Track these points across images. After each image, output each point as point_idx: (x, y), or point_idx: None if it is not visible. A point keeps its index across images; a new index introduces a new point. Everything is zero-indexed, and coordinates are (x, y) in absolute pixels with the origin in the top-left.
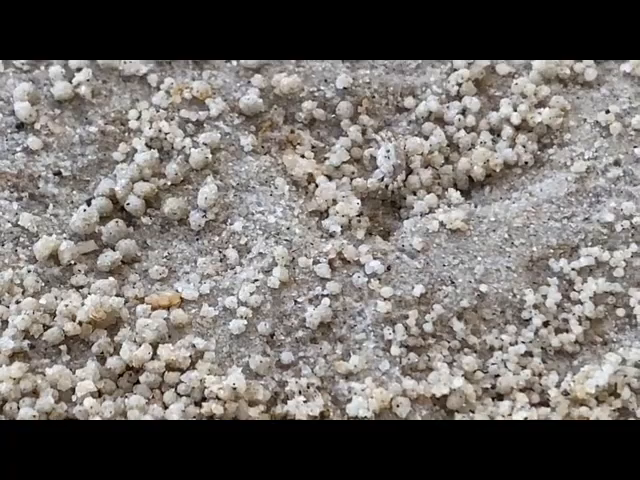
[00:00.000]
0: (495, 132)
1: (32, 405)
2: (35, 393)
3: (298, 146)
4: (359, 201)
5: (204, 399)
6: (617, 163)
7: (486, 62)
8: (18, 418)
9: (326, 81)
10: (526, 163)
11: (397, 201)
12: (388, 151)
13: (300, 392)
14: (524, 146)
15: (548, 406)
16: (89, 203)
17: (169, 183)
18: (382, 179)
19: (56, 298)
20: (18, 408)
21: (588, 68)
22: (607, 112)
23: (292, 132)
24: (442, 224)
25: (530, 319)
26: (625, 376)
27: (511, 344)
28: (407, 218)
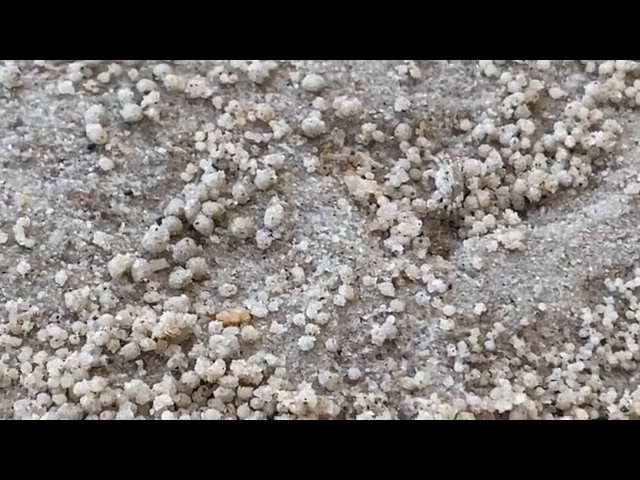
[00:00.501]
0: (550, 154)
1: (112, 418)
2: (115, 406)
3: (358, 167)
4: (420, 221)
5: (276, 413)
6: None
7: (540, 85)
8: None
9: (385, 104)
10: (580, 185)
11: (456, 221)
12: (447, 173)
13: (368, 407)
14: (578, 168)
15: None
16: (160, 222)
17: (236, 203)
18: (441, 200)
19: (131, 314)
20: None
21: (639, 92)
22: None
23: (352, 153)
24: (501, 244)
25: (588, 337)
26: None
27: (570, 361)
28: (466, 238)
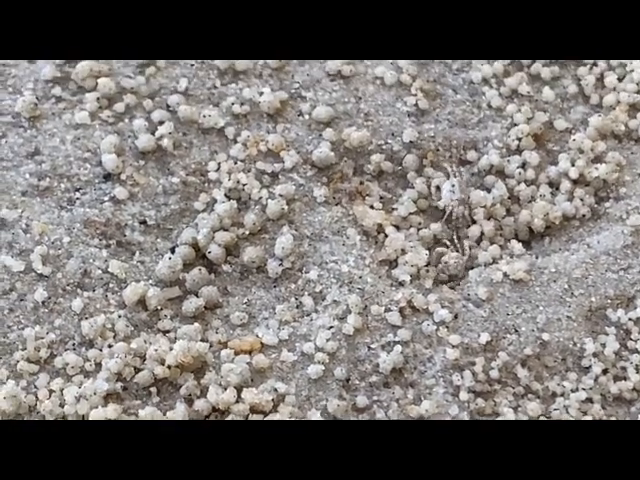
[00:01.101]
0: (554, 185)
1: None
2: None
3: (367, 197)
4: (427, 251)
5: None
6: None
7: (545, 117)
8: None
9: (393, 135)
10: (584, 216)
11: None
12: (453, 185)
13: None
14: (582, 199)
15: None
16: (173, 251)
17: (247, 232)
18: (444, 208)
19: (145, 342)
20: None
21: None
22: None
23: (361, 183)
24: (505, 274)
25: (590, 367)
26: None
27: (572, 391)
28: (472, 268)
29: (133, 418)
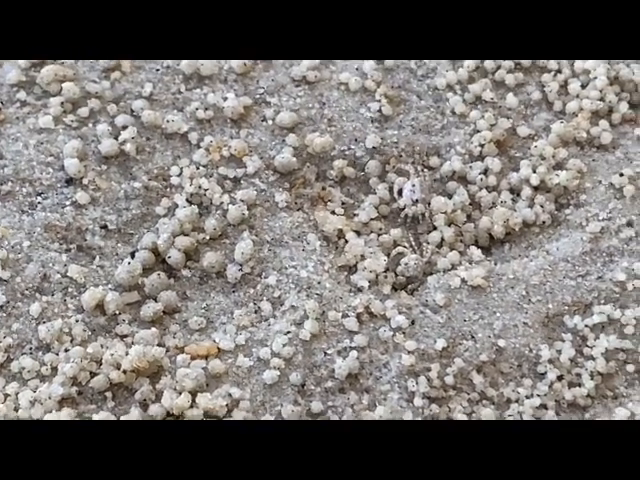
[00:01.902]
0: (515, 192)
1: None
2: None
3: (329, 203)
4: (386, 257)
5: None
6: (630, 224)
7: (508, 124)
8: None
9: (356, 140)
10: (544, 222)
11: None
12: (414, 185)
13: None
14: (542, 206)
15: None
16: (133, 256)
17: (208, 237)
18: (404, 208)
19: (102, 347)
20: None
21: (604, 132)
22: (621, 175)
23: (323, 189)
24: (464, 281)
25: (545, 373)
26: None
27: (527, 397)
28: (430, 274)
29: None
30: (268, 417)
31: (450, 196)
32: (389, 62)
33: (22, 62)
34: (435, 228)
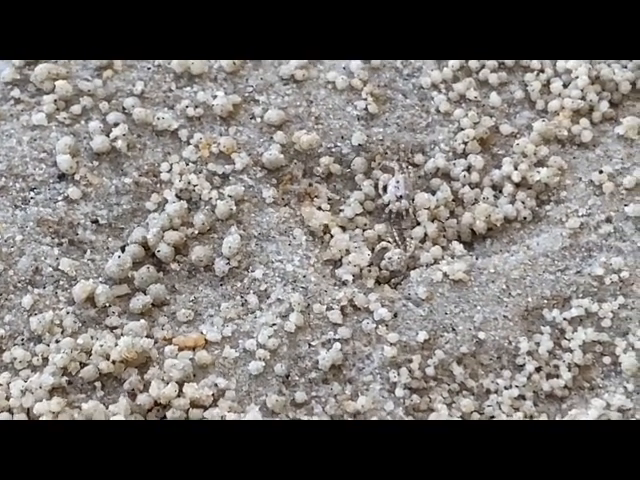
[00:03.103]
0: (497, 188)
1: None
2: None
3: (315, 199)
4: (370, 252)
5: None
6: (609, 220)
7: (491, 122)
8: None
9: (342, 138)
10: (525, 218)
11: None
12: (398, 182)
13: None
14: (523, 202)
15: None
16: (123, 250)
17: (196, 232)
18: (388, 204)
19: (92, 338)
20: None
21: (584, 130)
22: (601, 172)
23: (310, 185)
24: (445, 275)
25: (524, 365)
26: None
27: (506, 388)
28: (414, 268)
29: (76, 411)
30: (253, 406)
31: (434, 192)
32: (375, 62)
33: (16, 60)
34: (419, 223)
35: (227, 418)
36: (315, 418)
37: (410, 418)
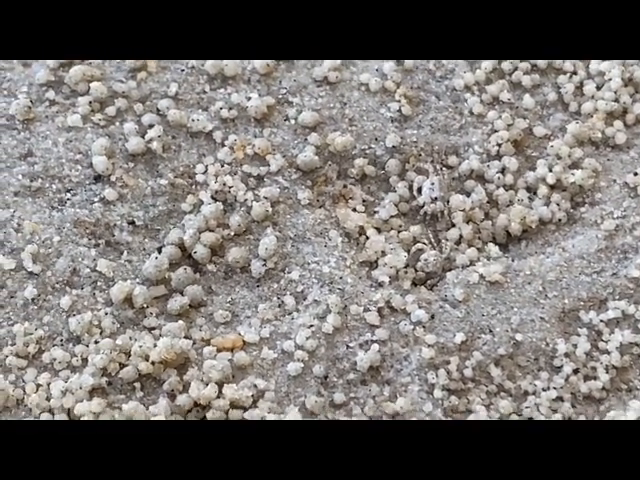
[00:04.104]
0: (531, 190)
1: None
2: None
3: (350, 200)
4: (406, 254)
5: None
6: None
7: (524, 124)
8: None
9: (376, 140)
10: (560, 220)
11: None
12: (433, 184)
13: None
14: (558, 204)
15: None
16: (160, 251)
17: (232, 233)
18: (423, 205)
19: (130, 339)
20: None
21: (618, 132)
22: (635, 174)
23: (345, 187)
24: (482, 276)
25: (561, 367)
26: None
27: (544, 389)
28: (450, 270)
29: (117, 412)
30: (292, 407)
31: (468, 194)
32: (408, 63)
33: (51, 62)
34: (454, 225)
35: (267, 419)
36: (354, 419)
37: (448, 419)
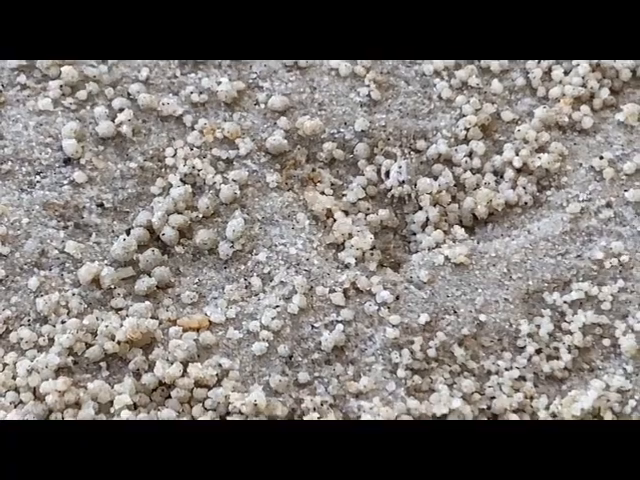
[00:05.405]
0: (498, 174)
1: (74, 416)
2: (77, 405)
3: (319, 184)
4: (372, 236)
5: (228, 413)
6: (609, 205)
7: (492, 109)
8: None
9: (345, 124)
10: (526, 203)
11: (407, 236)
12: (400, 167)
13: (314, 409)
14: (524, 188)
15: None
16: (128, 233)
17: (201, 216)
18: (390, 189)
19: (97, 319)
20: (62, 418)
21: (585, 117)
22: (601, 158)
23: (313, 170)
24: (447, 258)
25: (524, 347)
26: (608, 401)
27: (506, 369)
28: (416, 252)
29: (82, 391)
30: (256, 386)
31: (436, 178)
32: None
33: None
34: (421, 208)
35: (231, 398)
36: (318, 398)
37: (411, 398)
